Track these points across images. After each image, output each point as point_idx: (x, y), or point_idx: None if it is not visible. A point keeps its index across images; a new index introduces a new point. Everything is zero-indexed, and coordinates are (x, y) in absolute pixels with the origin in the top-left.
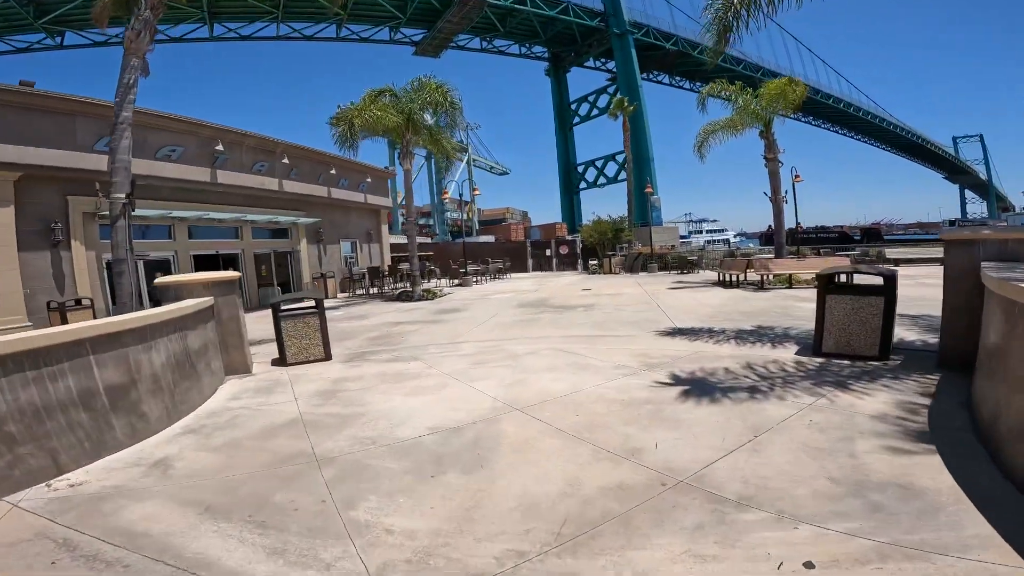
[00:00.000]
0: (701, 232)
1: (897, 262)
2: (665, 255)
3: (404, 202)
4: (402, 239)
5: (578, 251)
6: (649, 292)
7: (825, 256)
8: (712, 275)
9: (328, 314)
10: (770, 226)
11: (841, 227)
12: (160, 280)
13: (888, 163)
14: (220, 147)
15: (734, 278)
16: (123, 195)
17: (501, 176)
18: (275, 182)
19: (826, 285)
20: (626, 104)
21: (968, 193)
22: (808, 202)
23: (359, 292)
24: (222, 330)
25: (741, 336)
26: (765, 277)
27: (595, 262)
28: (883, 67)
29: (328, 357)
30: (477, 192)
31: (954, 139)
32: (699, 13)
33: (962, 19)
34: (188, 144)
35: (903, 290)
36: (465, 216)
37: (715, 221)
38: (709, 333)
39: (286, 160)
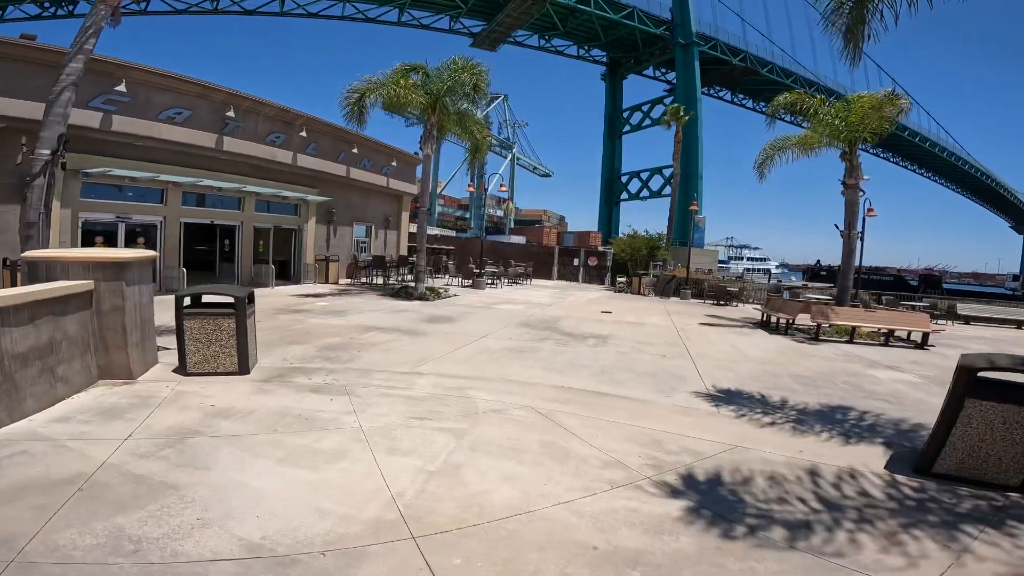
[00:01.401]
0: (742, 259)
1: (968, 320)
2: (702, 282)
3: (432, 189)
4: (432, 230)
5: (608, 264)
6: (679, 327)
7: (892, 306)
8: (753, 312)
9: (312, 303)
10: (819, 261)
11: (897, 270)
12: (28, 254)
13: (946, 202)
14: (231, 113)
15: (782, 321)
16: (48, 151)
17: (544, 178)
18: (289, 155)
19: (971, 381)
20: (681, 114)
21: None
22: (835, 234)
23: (363, 280)
24: (101, 324)
25: (800, 420)
26: (820, 326)
27: (623, 279)
28: (963, 98)
29: (242, 371)
30: (504, 189)
31: None
32: (772, 31)
33: None
34: (198, 108)
35: None
36: (502, 213)
37: (757, 249)
38: (751, 407)
39: (304, 133)
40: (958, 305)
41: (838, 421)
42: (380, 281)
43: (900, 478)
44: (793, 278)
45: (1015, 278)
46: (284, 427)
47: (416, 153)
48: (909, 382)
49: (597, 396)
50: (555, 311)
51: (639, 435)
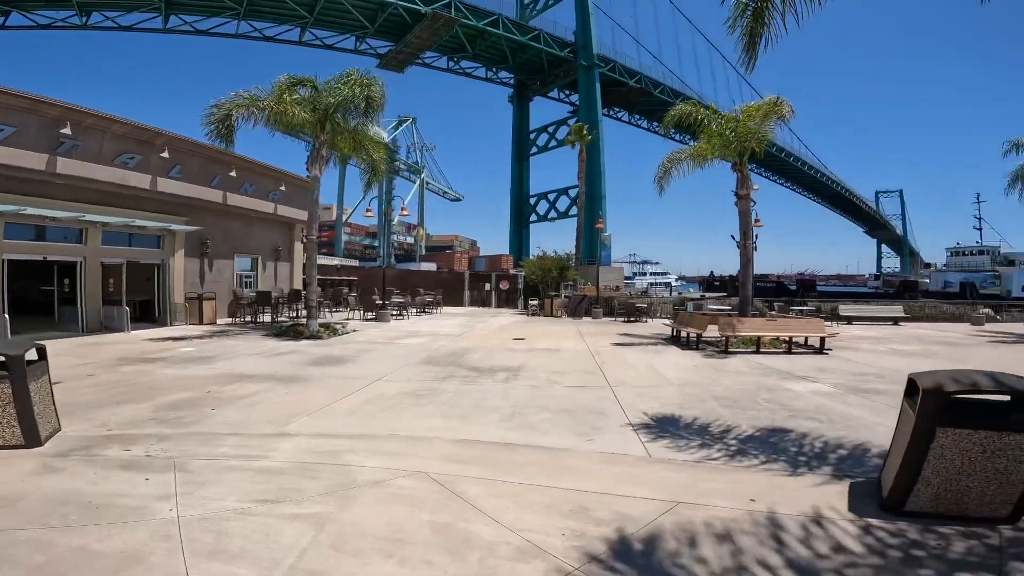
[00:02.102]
0: (645, 274)
1: (851, 320)
2: (612, 299)
3: (338, 217)
4: (333, 260)
5: (520, 287)
6: (593, 350)
7: (784, 312)
8: (663, 327)
9: (172, 350)
10: (712, 272)
11: (777, 276)
12: None
13: (805, 211)
14: (67, 130)
15: (692, 336)
16: None
17: (454, 202)
18: (146, 179)
19: (941, 407)
20: (584, 132)
21: (884, 248)
22: (724, 245)
23: (247, 319)
24: None
25: (739, 452)
26: (729, 338)
27: (536, 302)
28: (818, 115)
29: (31, 443)
30: (405, 212)
31: (876, 193)
32: (664, 53)
33: (891, 74)
34: (25, 124)
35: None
36: (413, 240)
37: (658, 264)
38: (684, 442)
39: (166, 154)
40: (840, 307)
41: (778, 449)
42: (268, 319)
43: (873, 522)
44: (691, 289)
45: (876, 277)
46: (62, 520)
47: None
48: (826, 393)
49: (507, 449)
50: (464, 342)
51: (560, 501)
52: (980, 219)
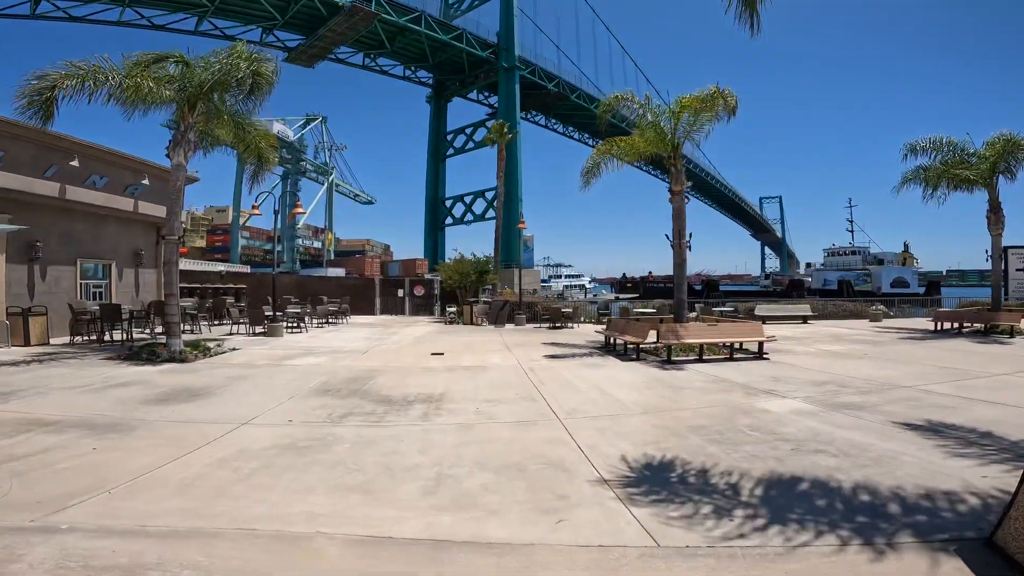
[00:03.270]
0: (560, 277)
1: (764, 319)
2: (535, 304)
3: (235, 219)
4: (218, 266)
5: (436, 293)
6: (526, 366)
7: (707, 315)
8: (591, 332)
9: None
10: (624, 274)
11: (698, 276)
12: None
13: (694, 213)
14: None
15: (628, 344)
16: None
17: (367, 205)
18: None
19: None
20: (505, 130)
21: (766, 250)
22: (633, 247)
23: (92, 338)
24: None
25: (772, 519)
26: (672, 347)
27: (454, 309)
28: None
29: None
30: (300, 210)
31: (760, 199)
32: (582, 60)
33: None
34: None
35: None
36: (321, 244)
37: (570, 267)
38: (687, 503)
39: None
40: (756, 307)
41: (817, 509)
42: (124, 337)
43: None
44: (603, 291)
45: (767, 276)
46: None
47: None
48: (808, 413)
49: (437, 553)
50: (372, 360)
51: None
52: (852, 222)
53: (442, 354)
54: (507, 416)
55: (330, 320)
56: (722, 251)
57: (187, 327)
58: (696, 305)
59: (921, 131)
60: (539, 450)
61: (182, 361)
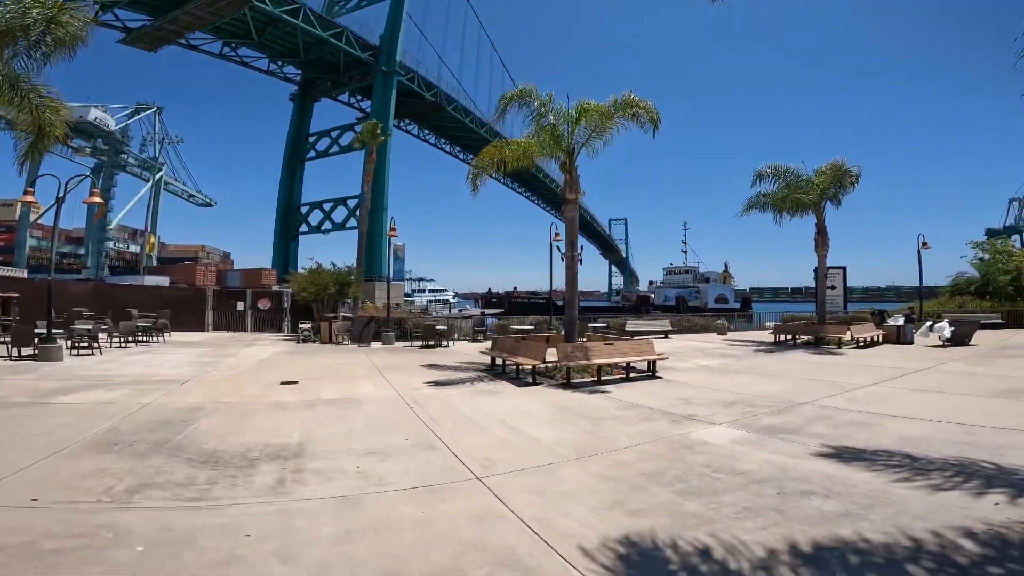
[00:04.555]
0: (424, 291)
1: (633, 335)
2: (404, 320)
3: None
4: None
5: (286, 307)
6: (408, 395)
7: (596, 333)
8: (468, 350)
9: None
10: (490, 289)
11: (550, 292)
12: None
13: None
14: None
15: (521, 366)
16: None
17: (204, 207)
18: None
19: None
20: (378, 132)
21: (612, 268)
22: (485, 263)
23: None
24: None
25: None
26: (571, 369)
27: (308, 325)
28: None
29: None
30: (96, 199)
31: (609, 220)
32: (464, 74)
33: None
34: None
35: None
36: (140, 248)
37: (432, 280)
38: None
39: None
40: (627, 323)
41: None
42: None
43: None
44: (467, 306)
45: (617, 293)
46: None
47: None
48: (750, 442)
49: None
50: (195, 393)
51: None
52: (686, 243)
53: (296, 382)
54: (404, 477)
55: (140, 339)
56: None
57: None
58: (555, 319)
59: (761, 153)
60: (472, 536)
61: None
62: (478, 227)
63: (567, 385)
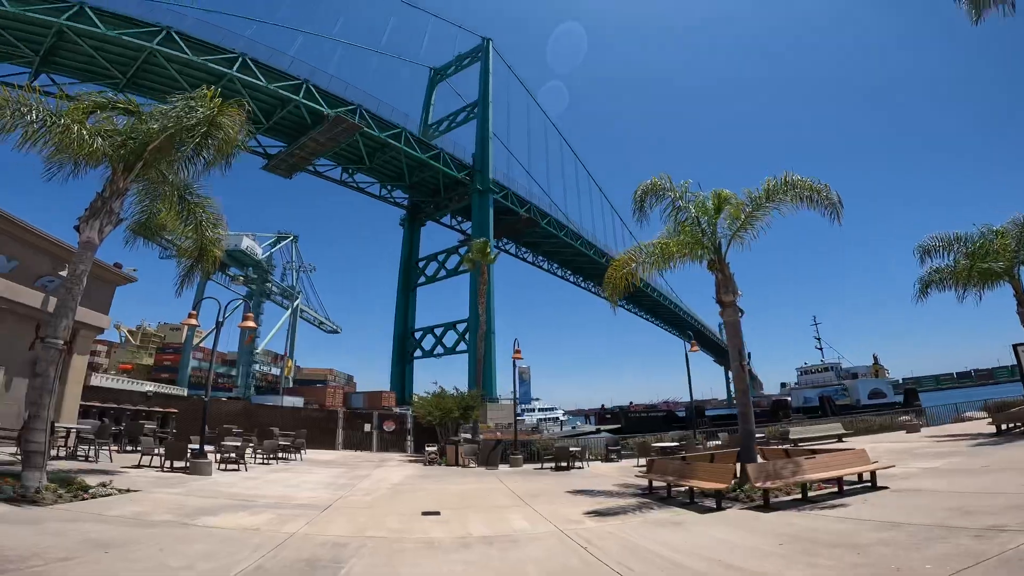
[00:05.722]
0: (533, 411)
1: (796, 443)
2: (531, 442)
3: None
4: (145, 386)
5: (408, 428)
6: (570, 529)
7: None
8: (608, 471)
9: None
10: (603, 405)
11: (667, 404)
12: None
13: (645, 341)
14: None
15: (694, 489)
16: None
17: (331, 334)
18: None
19: None
20: (487, 250)
21: (731, 374)
22: (598, 378)
23: None
24: None
25: None
26: (770, 490)
27: (434, 448)
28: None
29: None
30: (251, 323)
31: (719, 325)
32: (552, 186)
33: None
34: None
35: None
36: (280, 371)
37: (538, 399)
38: None
39: None
40: (790, 431)
41: None
42: None
43: None
44: (577, 424)
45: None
46: None
47: (118, 265)
48: None
49: None
50: (337, 522)
51: None
52: (819, 339)
53: (438, 513)
54: None
55: (279, 456)
56: (674, 378)
57: (83, 454)
58: (719, 434)
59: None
60: None
61: (33, 503)
62: (576, 341)
63: (765, 507)
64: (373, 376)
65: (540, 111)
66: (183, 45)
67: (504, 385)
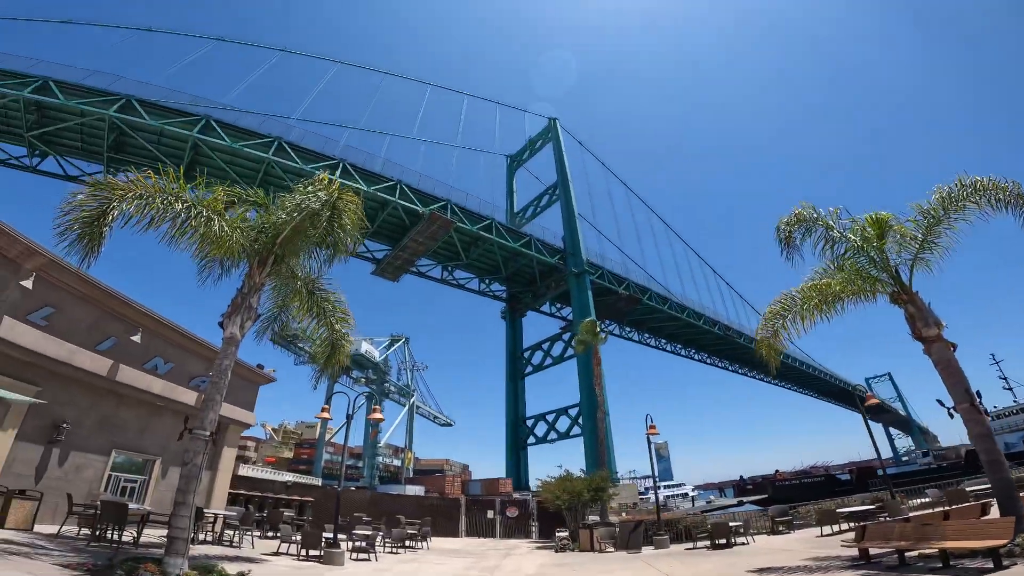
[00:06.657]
0: (660, 487)
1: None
2: (677, 522)
3: (321, 434)
4: (285, 476)
5: (532, 512)
6: None
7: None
8: (779, 545)
9: None
10: (742, 476)
11: (825, 469)
12: None
13: (785, 405)
14: None
15: (945, 552)
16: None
17: (444, 427)
18: None
19: None
20: (598, 330)
21: (891, 429)
22: (715, 450)
23: (82, 535)
24: None
25: None
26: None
27: (565, 533)
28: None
29: None
30: (378, 415)
31: (867, 380)
32: (647, 261)
33: None
34: None
35: None
36: (400, 462)
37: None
38: None
39: (30, 284)
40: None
41: None
42: (128, 539)
43: None
44: (712, 497)
45: (925, 454)
46: None
47: (260, 367)
48: None
49: None
50: None
51: None
52: (1006, 379)
53: None
54: None
55: (407, 544)
56: (830, 439)
57: (228, 539)
58: (892, 495)
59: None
60: None
61: None
62: (696, 415)
63: None
64: (485, 464)
65: (621, 183)
66: (292, 154)
67: (622, 465)
